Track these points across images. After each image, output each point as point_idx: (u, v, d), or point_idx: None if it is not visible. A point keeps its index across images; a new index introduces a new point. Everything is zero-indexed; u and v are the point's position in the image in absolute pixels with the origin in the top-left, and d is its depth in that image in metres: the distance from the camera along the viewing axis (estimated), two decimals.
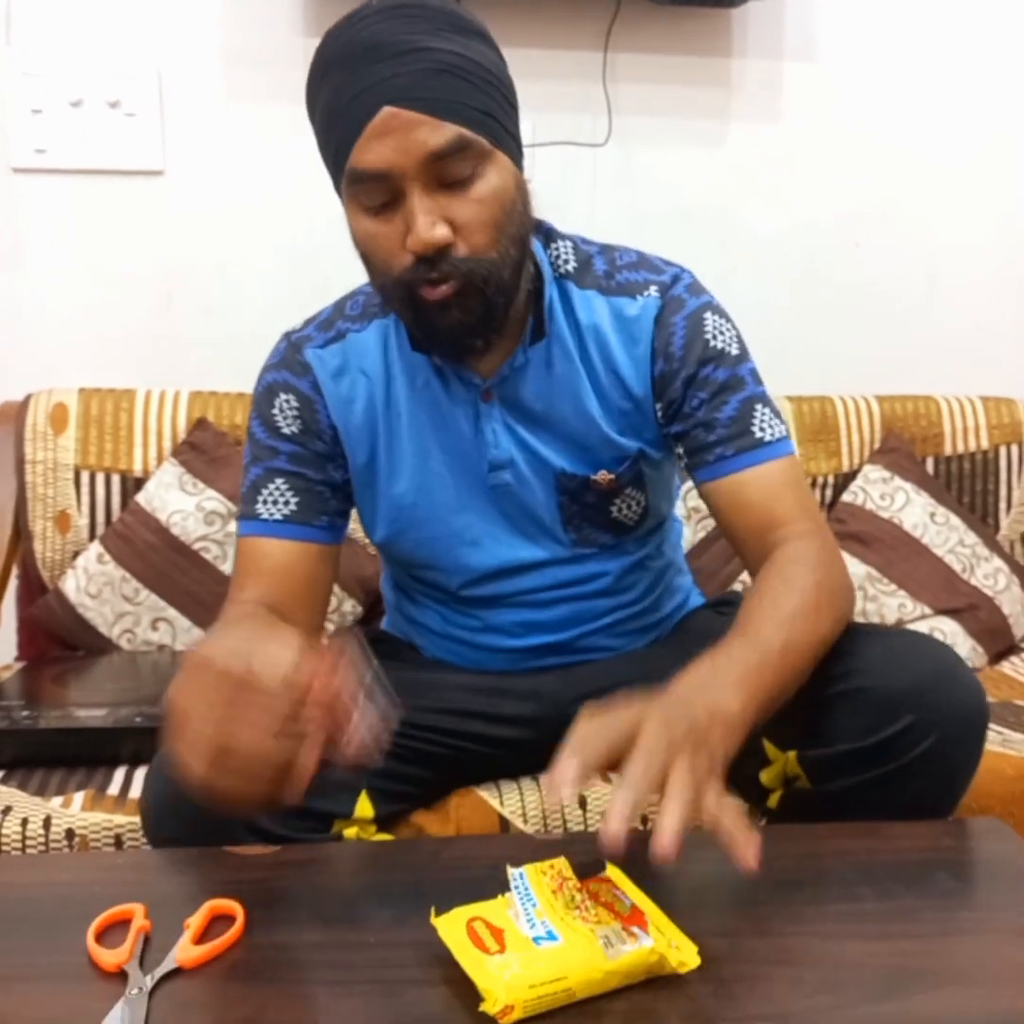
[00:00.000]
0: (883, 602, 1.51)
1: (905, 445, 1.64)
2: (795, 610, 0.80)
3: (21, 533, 1.49)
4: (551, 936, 0.59)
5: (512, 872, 0.65)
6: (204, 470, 1.48)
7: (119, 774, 1.10)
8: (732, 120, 1.73)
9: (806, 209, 1.76)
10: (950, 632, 1.49)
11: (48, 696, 1.23)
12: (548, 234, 0.98)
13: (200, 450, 1.49)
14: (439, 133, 0.79)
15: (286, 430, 0.96)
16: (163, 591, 1.44)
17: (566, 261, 0.97)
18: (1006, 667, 1.51)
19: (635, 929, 0.59)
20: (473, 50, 0.82)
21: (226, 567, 1.44)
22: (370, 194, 0.82)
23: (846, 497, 1.61)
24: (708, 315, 0.94)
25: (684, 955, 0.58)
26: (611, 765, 0.64)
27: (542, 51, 1.65)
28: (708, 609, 1.13)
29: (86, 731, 1.12)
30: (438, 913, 0.62)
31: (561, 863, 0.66)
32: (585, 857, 0.67)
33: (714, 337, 0.94)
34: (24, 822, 1.00)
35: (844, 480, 1.63)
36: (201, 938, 0.63)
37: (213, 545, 1.45)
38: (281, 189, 1.65)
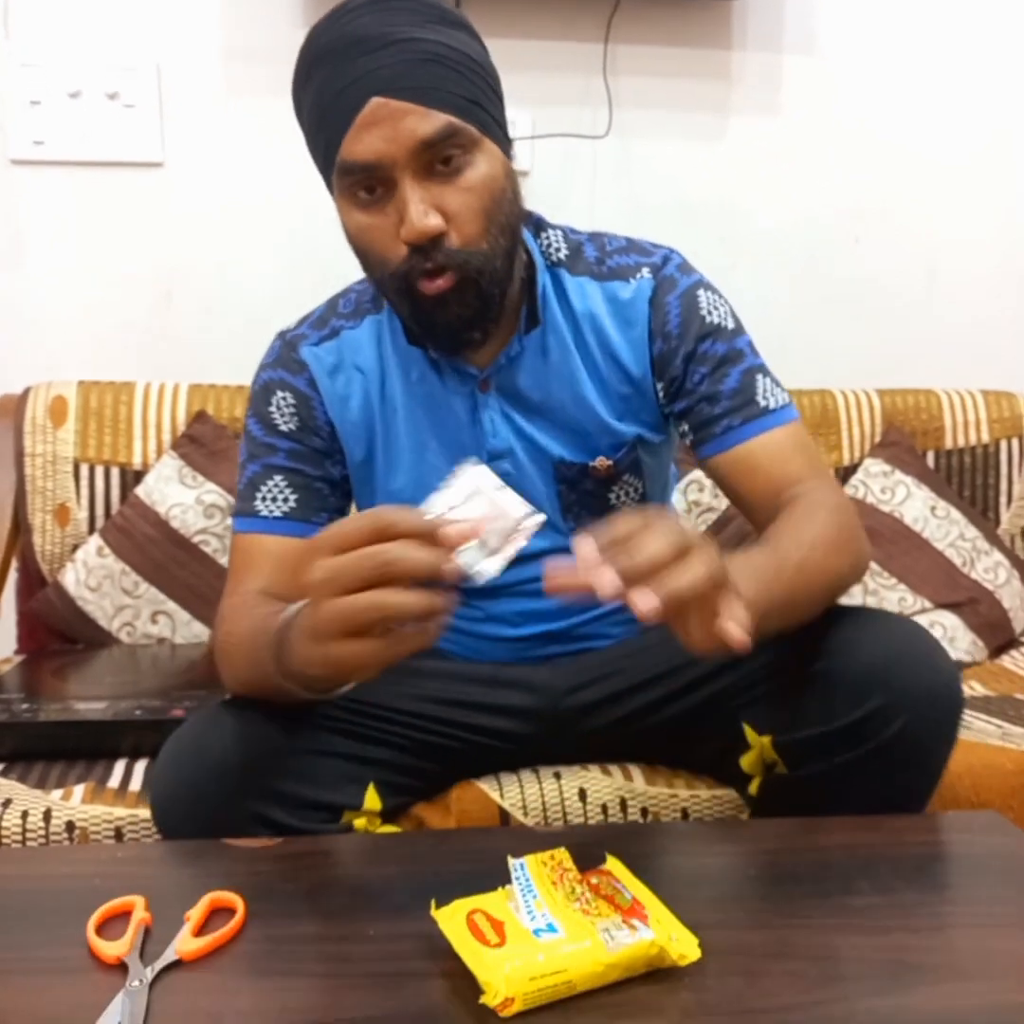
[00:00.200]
0: (884, 596, 1.51)
1: (906, 439, 1.64)
2: (815, 539, 0.80)
3: (20, 526, 1.49)
4: (551, 928, 0.59)
5: (513, 863, 0.65)
6: (203, 463, 1.48)
7: (119, 767, 1.10)
8: (732, 113, 1.72)
9: (806, 203, 1.76)
10: (950, 626, 1.49)
11: (48, 689, 1.23)
12: (538, 224, 0.98)
13: (199, 443, 1.49)
14: (428, 121, 0.80)
15: (284, 427, 0.96)
16: (163, 584, 1.44)
17: (557, 249, 0.97)
18: (1006, 661, 1.51)
19: (635, 922, 0.59)
20: (457, 40, 0.83)
21: (225, 560, 1.44)
22: (361, 186, 0.82)
23: (847, 491, 1.61)
24: (701, 292, 0.95)
25: (684, 948, 0.58)
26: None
27: (543, 43, 1.64)
28: None
29: (86, 724, 1.12)
30: (438, 905, 0.62)
31: (562, 854, 0.66)
32: (585, 850, 0.67)
33: (709, 312, 0.94)
34: (24, 815, 1.00)
35: (845, 474, 1.63)
36: (201, 930, 0.63)
37: (213, 538, 1.45)
38: (281, 182, 1.65)
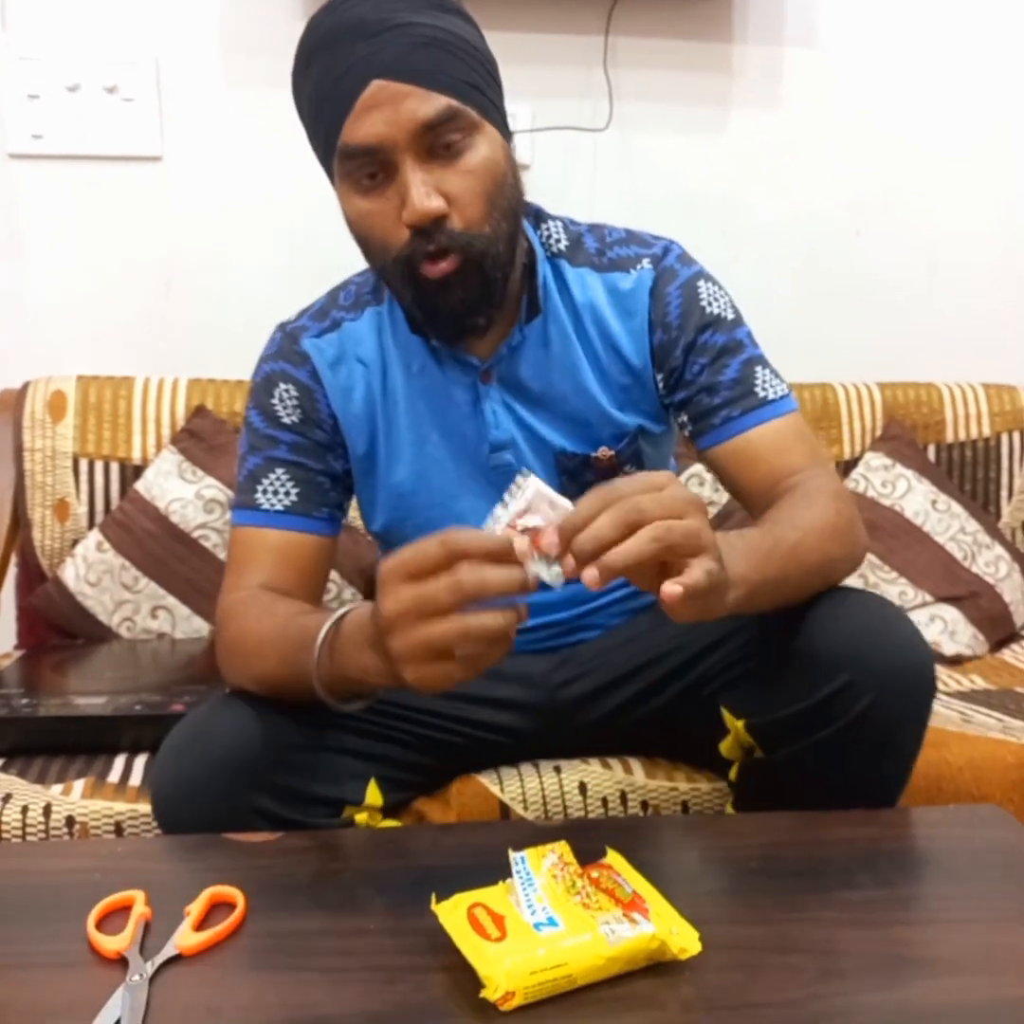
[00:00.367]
0: (884, 589, 1.51)
1: (906, 432, 1.64)
2: (811, 523, 0.80)
3: (20, 521, 1.48)
4: (552, 922, 0.59)
5: (513, 856, 0.65)
6: (203, 458, 1.48)
7: (119, 762, 1.10)
8: (733, 106, 1.72)
9: (807, 196, 1.76)
10: (951, 620, 1.49)
11: (48, 684, 1.23)
12: (538, 215, 0.98)
13: (199, 438, 1.49)
14: (429, 103, 0.80)
15: (286, 420, 0.96)
16: (162, 579, 1.43)
17: (557, 240, 0.97)
18: (1007, 654, 1.51)
19: (636, 915, 0.59)
20: (455, 26, 0.83)
21: (225, 555, 1.44)
22: (363, 170, 0.82)
23: (848, 484, 1.60)
24: (701, 283, 0.96)
25: (685, 941, 0.58)
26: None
27: (543, 36, 1.64)
28: None
29: (86, 719, 1.12)
30: (439, 900, 0.62)
31: (562, 847, 0.66)
32: (585, 844, 0.67)
33: (709, 303, 0.95)
34: (24, 810, 1.00)
35: (845, 467, 1.63)
36: (201, 925, 0.63)
37: (212, 533, 1.45)
38: (280, 176, 1.64)
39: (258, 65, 1.61)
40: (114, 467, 1.49)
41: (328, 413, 0.97)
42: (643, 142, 1.70)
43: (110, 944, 0.61)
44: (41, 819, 1.00)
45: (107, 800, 1.02)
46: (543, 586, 0.63)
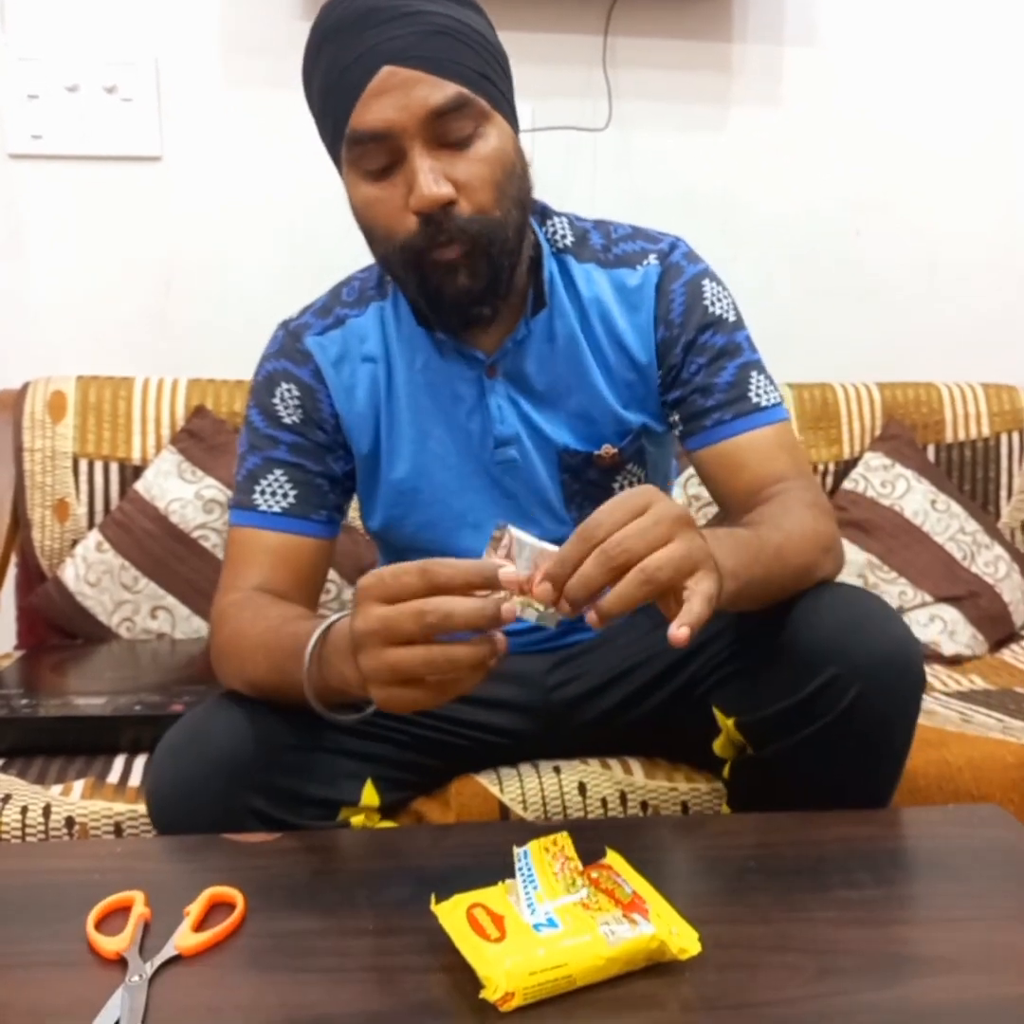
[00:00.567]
0: (884, 590, 1.51)
1: (906, 432, 1.64)
2: (792, 528, 0.81)
3: (20, 522, 1.48)
4: (551, 923, 0.59)
5: (517, 851, 0.65)
6: (203, 458, 1.48)
7: (119, 762, 1.10)
8: (733, 105, 1.72)
9: (807, 196, 1.76)
10: (951, 620, 1.49)
11: (47, 685, 1.23)
12: (543, 212, 0.98)
13: (198, 438, 1.49)
14: (440, 90, 0.80)
15: (287, 420, 0.95)
16: (162, 579, 1.43)
17: (563, 236, 0.97)
18: (1006, 654, 1.51)
19: (636, 916, 0.59)
20: (466, 16, 0.83)
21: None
22: (371, 157, 0.82)
23: (847, 484, 1.60)
24: (706, 282, 0.96)
25: (685, 942, 0.58)
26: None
27: (542, 35, 1.64)
28: None
29: (85, 719, 1.12)
30: (438, 900, 0.62)
31: (564, 839, 0.66)
32: (585, 844, 0.66)
33: (712, 303, 0.95)
34: (24, 810, 1.00)
35: (845, 467, 1.63)
36: (201, 926, 0.63)
37: (212, 533, 1.45)
38: (279, 176, 1.64)
39: (258, 65, 1.61)
40: (114, 467, 1.49)
41: (330, 413, 0.96)
42: (643, 141, 1.71)
43: (109, 945, 0.61)
44: (41, 819, 1.00)
45: (107, 800, 1.02)
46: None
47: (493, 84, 0.84)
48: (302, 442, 0.95)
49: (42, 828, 1.00)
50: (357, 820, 0.86)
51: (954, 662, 1.47)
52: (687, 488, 1.56)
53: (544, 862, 0.64)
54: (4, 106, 1.58)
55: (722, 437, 0.92)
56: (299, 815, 0.80)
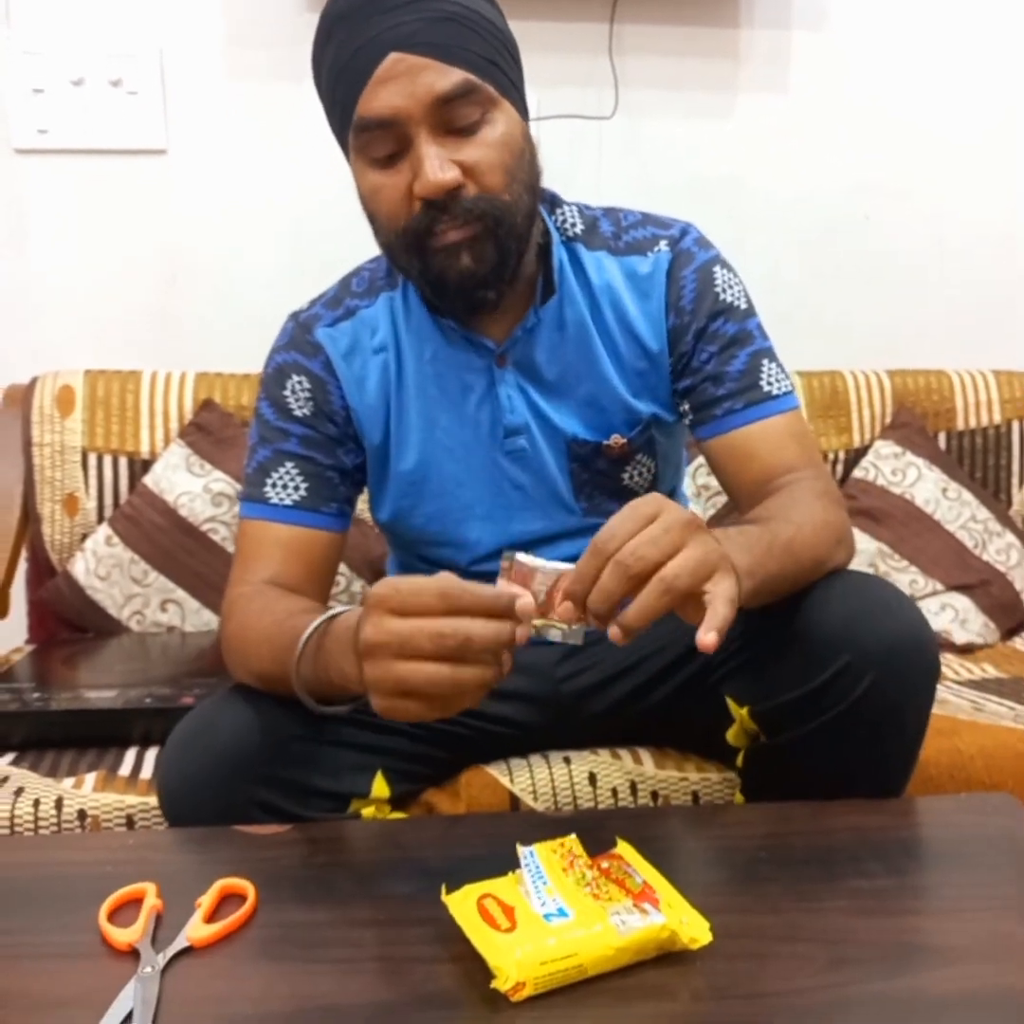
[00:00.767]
0: (895, 578, 1.50)
1: (917, 420, 1.63)
2: (803, 520, 0.80)
3: (29, 516, 1.49)
4: (562, 913, 0.59)
5: (522, 850, 0.64)
6: (211, 451, 1.48)
7: (130, 755, 1.11)
8: (740, 92, 1.71)
9: (815, 182, 1.74)
10: (962, 608, 1.49)
11: (58, 678, 1.23)
12: (552, 201, 0.97)
13: (207, 431, 1.49)
14: (446, 77, 0.79)
15: (298, 412, 0.95)
16: (172, 572, 1.44)
17: (573, 224, 0.97)
18: (1018, 643, 1.50)
19: (646, 905, 0.59)
20: (475, 3, 0.83)
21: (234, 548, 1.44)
22: (377, 144, 0.82)
23: (857, 473, 1.60)
24: (717, 269, 0.95)
25: (695, 931, 0.58)
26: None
27: (548, 24, 1.63)
28: None
29: (97, 712, 1.12)
30: (449, 891, 0.62)
31: (571, 841, 0.66)
32: (595, 834, 0.66)
33: (724, 291, 0.94)
34: (36, 803, 1.00)
35: (855, 456, 1.62)
36: (212, 917, 0.63)
37: (221, 526, 1.45)
38: (285, 167, 1.64)
39: (262, 58, 1.60)
40: (123, 461, 1.50)
41: (341, 405, 0.96)
42: (649, 129, 1.70)
43: (122, 936, 0.61)
44: (53, 812, 1.00)
45: (118, 793, 1.02)
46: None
47: (501, 71, 0.83)
48: (313, 434, 0.95)
49: (54, 821, 1.00)
50: (368, 812, 0.87)
51: (966, 651, 1.46)
52: (696, 478, 1.55)
53: (552, 861, 0.64)
54: (9, 100, 1.58)
55: (733, 426, 0.92)
56: (309, 807, 0.80)
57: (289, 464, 0.94)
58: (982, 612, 1.49)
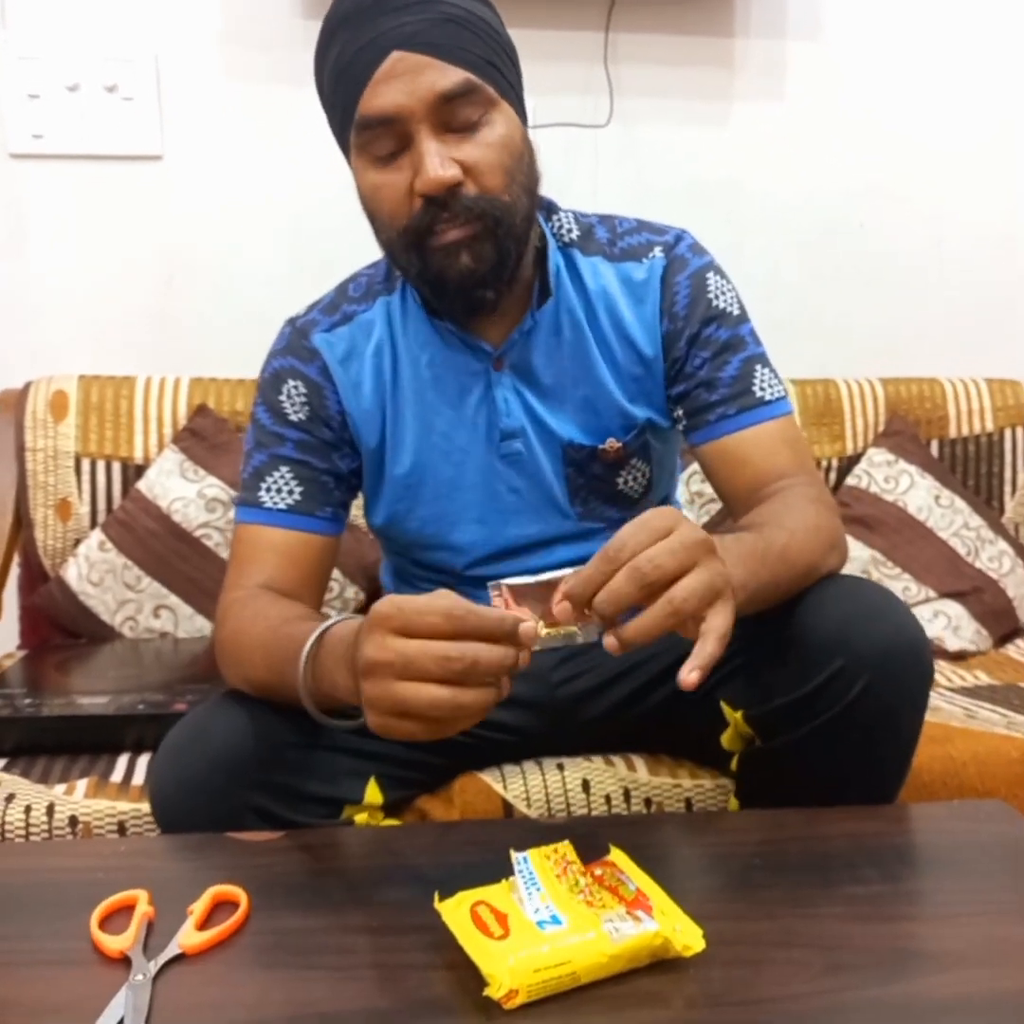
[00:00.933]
0: (888, 585, 1.49)
1: (909, 428, 1.63)
2: (795, 526, 0.80)
3: (22, 521, 1.48)
4: (555, 920, 0.58)
5: (516, 856, 0.64)
6: (205, 457, 1.48)
7: (122, 761, 1.10)
8: (735, 101, 1.72)
9: (811, 191, 1.75)
10: (955, 615, 1.49)
11: (51, 684, 1.23)
12: (549, 207, 0.98)
13: (201, 437, 1.49)
14: (448, 76, 0.80)
15: (293, 417, 0.95)
16: (165, 578, 1.43)
17: (569, 230, 0.97)
18: (1011, 650, 1.50)
19: (639, 913, 0.59)
20: (476, 8, 0.84)
21: (227, 554, 1.43)
22: (378, 142, 0.83)
23: (850, 480, 1.60)
24: (710, 275, 0.96)
25: (689, 938, 0.58)
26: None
27: (543, 32, 1.63)
28: None
29: (89, 719, 1.12)
30: (442, 898, 0.61)
31: (565, 847, 0.66)
32: (589, 841, 0.66)
33: (717, 296, 0.95)
34: (27, 809, 1.00)
35: (848, 463, 1.63)
36: (205, 924, 0.63)
37: (214, 532, 1.45)
38: (281, 173, 1.64)
39: (258, 63, 1.61)
40: (116, 466, 1.49)
41: (337, 410, 0.96)
42: (644, 138, 1.70)
43: (113, 943, 0.61)
44: (44, 819, 1.00)
45: (110, 800, 1.02)
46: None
47: (501, 73, 0.84)
48: (308, 439, 0.95)
49: (46, 827, 1.00)
50: (361, 818, 0.86)
51: (958, 658, 1.47)
52: (690, 485, 1.55)
53: (545, 867, 0.64)
54: (5, 106, 1.57)
55: (726, 431, 0.93)
56: (302, 813, 0.80)
57: (284, 468, 0.94)
58: (975, 619, 1.50)
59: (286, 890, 0.67)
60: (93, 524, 1.48)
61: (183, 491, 1.45)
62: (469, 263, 0.84)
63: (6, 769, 1.08)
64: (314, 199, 1.63)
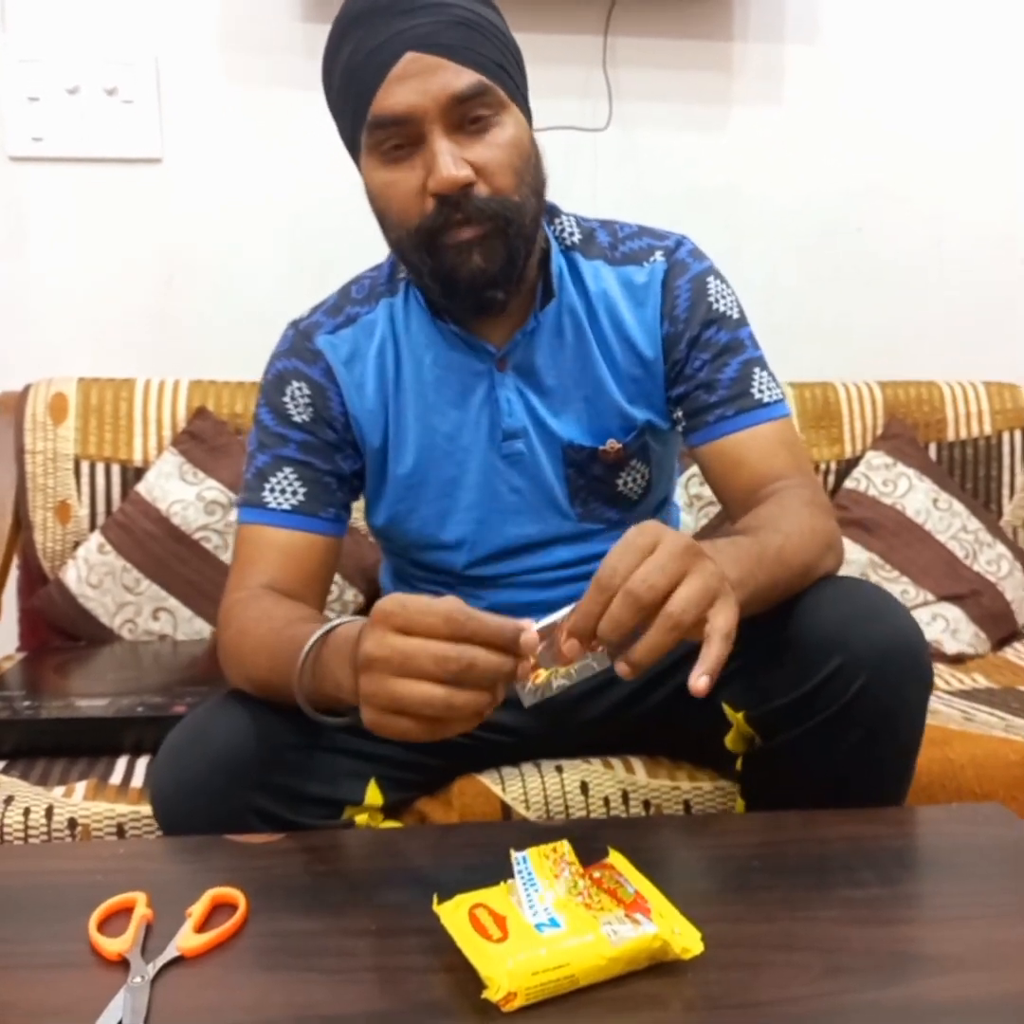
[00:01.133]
0: (886, 588, 1.50)
1: (908, 431, 1.64)
2: (791, 528, 0.81)
3: (21, 523, 1.48)
4: (554, 923, 0.58)
5: (515, 856, 0.64)
6: (204, 459, 1.48)
7: (121, 764, 1.10)
8: (734, 104, 1.72)
9: (810, 194, 1.75)
10: (953, 618, 1.49)
11: (50, 686, 1.23)
12: (551, 211, 0.99)
13: (200, 439, 1.49)
14: (461, 77, 0.82)
15: (297, 418, 0.96)
16: (164, 581, 1.43)
17: (570, 234, 0.98)
18: (1009, 653, 1.50)
19: (638, 915, 0.59)
20: (485, 12, 0.86)
21: (227, 556, 1.44)
22: (390, 142, 0.83)
23: (848, 483, 1.60)
24: (711, 279, 0.97)
25: (687, 941, 0.58)
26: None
27: (542, 36, 1.64)
28: None
29: (88, 721, 1.12)
30: (440, 900, 0.61)
31: (563, 846, 0.66)
32: (587, 844, 0.66)
33: (717, 300, 0.96)
34: (26, 812, 1.00)
35: (846, 467, 1.63)
36: (203, 926, 0.63)
37: (213, 534, 1.45)
38: (280, 176, 1.64)
39: (258, 66, 1.61)
40: (115, 469, 1.50)
41: (340, 411, 0.97)
42: (644, 141, 1.70)
43: (111, 946, 0.61)
44: (43, 821, 1.00)
45: (109, 802, 1.02)
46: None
47: (510, 76, 0.86)
48: (311, 440, 0.96)
49: (45, 830, 1.00)
50: (361, 819, 0.87)
51: (956, 661, 1.47)
52: (688, 488, 1.55)
53: (544, 867, 0.64)
54: (4, 108, 1.58)
55: (724, 433, 0.93)
56: (302, 814, 0.80)
57: (288, 469, 0.95)
58: (973, 622, 1.50)
59: (285, 892, 0.67)
60: (92, 526, 1.48)
61: (182, 494, 1.45)
62: (480, 263, 0.85)
63: (5, 771, 1.08)
64: (313, 202, 1.63)
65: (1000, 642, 1.53)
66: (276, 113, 1.62)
